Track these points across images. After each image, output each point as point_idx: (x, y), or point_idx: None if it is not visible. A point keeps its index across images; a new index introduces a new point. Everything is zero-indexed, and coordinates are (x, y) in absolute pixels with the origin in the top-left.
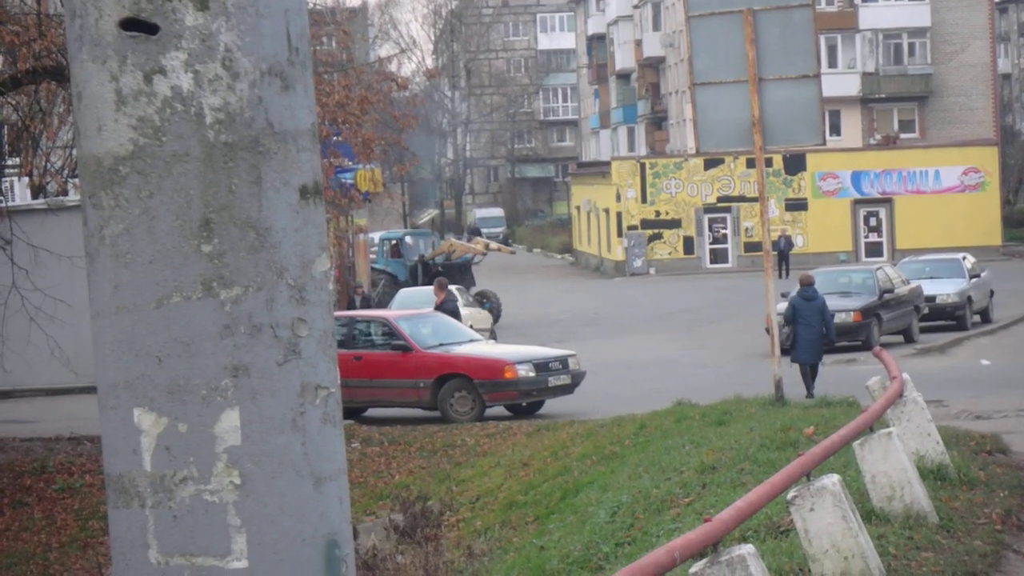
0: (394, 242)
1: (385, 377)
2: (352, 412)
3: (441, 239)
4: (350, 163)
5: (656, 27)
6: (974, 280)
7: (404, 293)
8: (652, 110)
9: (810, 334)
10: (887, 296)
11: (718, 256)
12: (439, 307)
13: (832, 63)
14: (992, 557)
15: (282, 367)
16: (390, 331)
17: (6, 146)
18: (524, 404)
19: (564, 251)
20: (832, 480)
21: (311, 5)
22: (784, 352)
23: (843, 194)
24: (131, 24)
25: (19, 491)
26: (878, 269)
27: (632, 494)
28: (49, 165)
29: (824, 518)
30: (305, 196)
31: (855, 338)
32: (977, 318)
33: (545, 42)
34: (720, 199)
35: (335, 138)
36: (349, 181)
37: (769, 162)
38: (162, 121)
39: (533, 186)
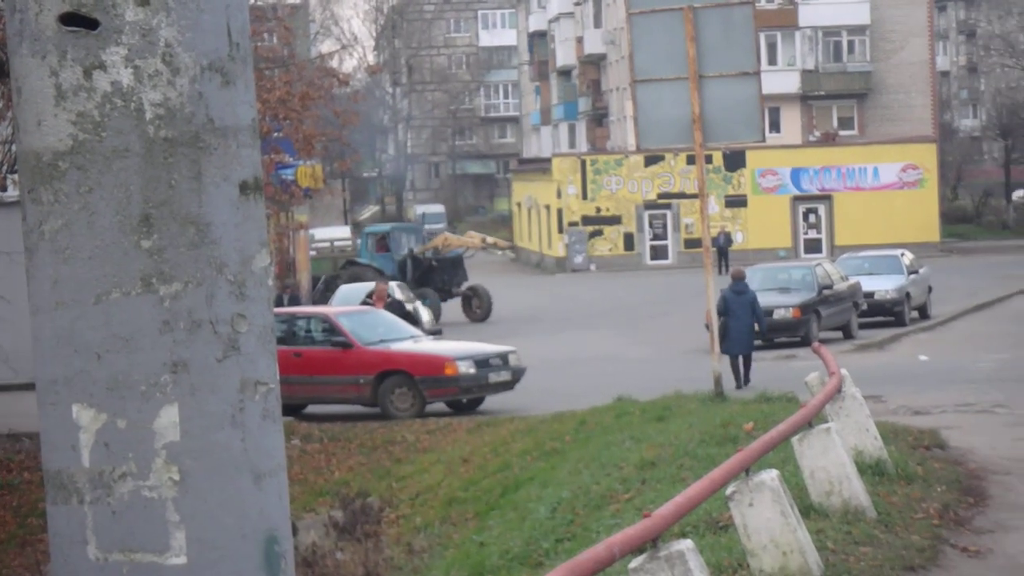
0: (381, 236)
1: (325, 374)
2: (292, 409)
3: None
4: (291, 159)
5: (597, 24)
6: (912, 276)
7: (344, 290)
8: (593, 107)
9: (740, 327)
10: (826, 292)
11: (658, 252)
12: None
13: (772, 60)
14: (930, 551)
15: (222, 363)
16: (330, 327)
17: None
18: (465, 400)
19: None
20: (771, 475)
21: (252, 1)
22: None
23: (783, 191)
24: (71, 19)
25: None
26: (817, 265)
27: (572, 490)
28: None
29: (763, 513)
30: (245, 192)
31: (794, 334)
32: (915, 314)
33: (486, 39)
34: (660, 196)
35: (276, 134)
36: (290, 177)
37: (709, 159)
38: (102, 116)
39: (474, 182)
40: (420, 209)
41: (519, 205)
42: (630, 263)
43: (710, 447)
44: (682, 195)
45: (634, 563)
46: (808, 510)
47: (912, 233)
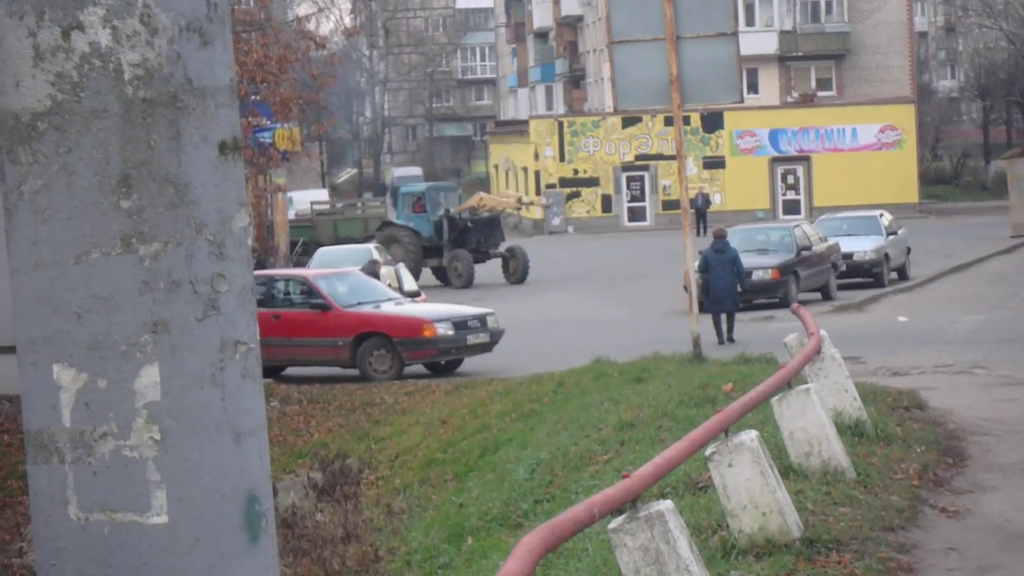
0: (417, 196)
1: (304, 336)
2: (271, 371)
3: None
4: (268, 122)
5: None
6: (891, 237)
7: (323, 252)
8: (570, 69)
9: (721, 284)
10: (805, 253)
11: (636, 214)
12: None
13: (750, 21)
14: (909, 512)
15: (201, 323)
16: (309, 290)
17: None
18: (443, 362)
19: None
20: (750, 436)
21: None
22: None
23: (760, 152)
24: None
25: None
26: (795, 227)
27: (551, 451)
28: None
29: (742, 474)
30: (224, 152)
31: (773, 295)
32: (894, 275)
33: (463, 1)
34: (638, 157)
35: (253, 97)
36: (267, 140)
37: (687, 120)
38: (80, 77)
39: (451, 145)
40: (397, 172)
41: (496, 167)
42: (608, 225)
43: (689, 408)
44: (660, 157)
45: (614, 523)
46: (787, 471)
47: (890, 194)
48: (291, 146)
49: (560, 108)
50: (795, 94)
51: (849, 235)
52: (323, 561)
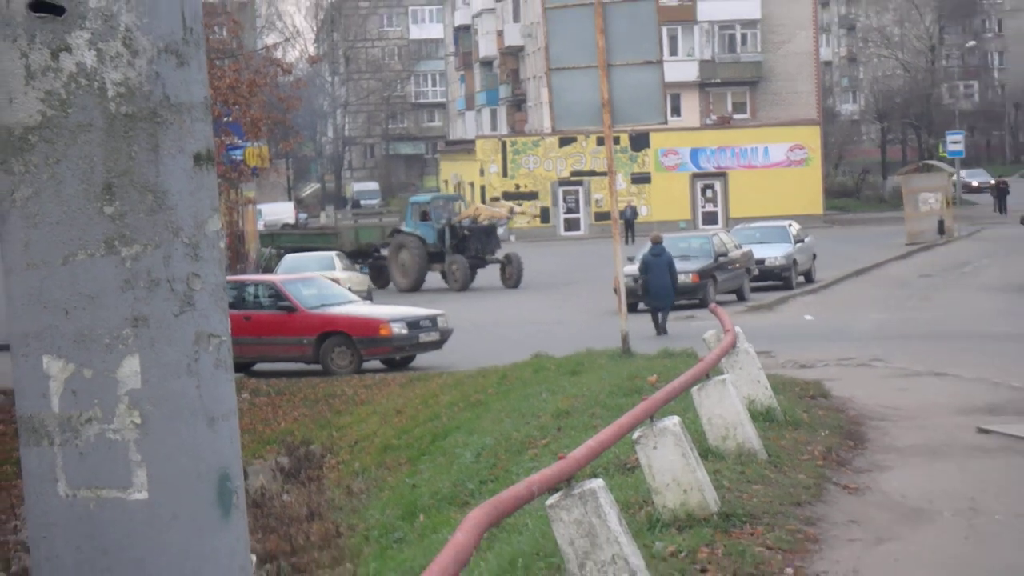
0: (424, 206)
1: (272, 335)
2: (242, 367)
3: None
4: (240, 140)
5: (516, 19)
6: (799, 245)
7: (289, 259)
8: (512, 94)
9: (659, 284)
10: (722, 259)
11: (571, 225)
12: None
13: (673, 51)
14: (815, 489)
15: (178, 318)
16: (276, 293)
17: None
18: (398, 358)
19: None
20: (673, 421)
21: None
22: (639, 298)
23: (683, 168)
24: (39, 6)
25: None
26: (714, 235)
27: (495, 437)
28: None
29: (666, 455)
30: (199, 162)
31: (694, 297)
32: (801, 279)
33: (416, 32)
34: (573, 173)
35: (226, 118)
36: (239, 157)
37: (617, 140)
38: (68, 94)
39: (406, 162)
40: (356, 186)
41: (446, 182)
42: (546, 234)
43: (618, 397)
44: (593, 173)
45: (551, 500)
46: (706, 453)
47: (798, 206)
48: (260, 162)
49: (503, 129)
50: (713, 117)
51: (761, 243)
52: (289, 537)
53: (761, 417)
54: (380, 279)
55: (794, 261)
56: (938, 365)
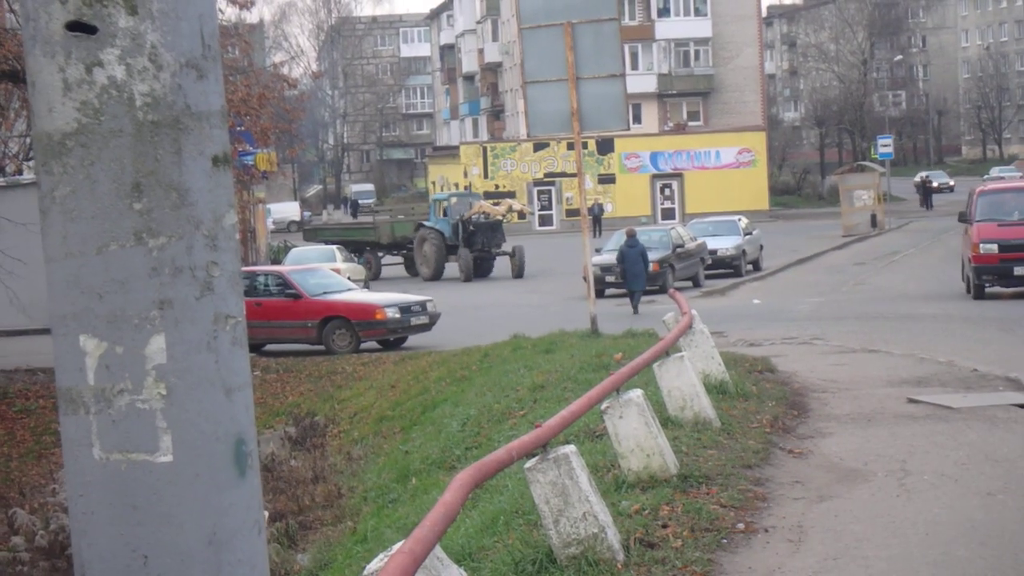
0: (444, 203)
1: (280, 319)
2: (253, 347)
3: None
4: (251, 148)
5: (495, 38)
6: (747, 237)
7: (295, 252)
8: (492, 104)
9: (635, 269)
10: (679, 250)
11: (545, 220)
12: None
13: (634, 66)
14: (763, 453)
15: (199, 300)
16: (284, 282)
17: None
18: (392, 339)
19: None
20: (637, 394)
21: (219, 21)
22: (617, 285)
23: (644, 170)
24: (75, 26)
25: None
26: (671, 229)
27: (478, 408)
28: (7, 151)
29: (631, 424)
30: (217, 164)
31: (654, 283)
32: (750, 267)
33: (406, 51)
34: (546, 175)
35: (239, 128)
36: (250, 162)
37: (585, 145)
38: (100, 104)
39: (398, 166)
40: (354, 188)
41: (434, 183)
42: (522, 229)
43: (588, 373)
44: (563, 174)
45: (529, 464)
46: (666, 421)
47: (746, 203)
48: (269, 167)
49: (484, 136)
50: (670, 124)
51: (714, 235)
52: (297, 498)
53: (715, 390)
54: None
55: (743, 251)
56: (871, 343)
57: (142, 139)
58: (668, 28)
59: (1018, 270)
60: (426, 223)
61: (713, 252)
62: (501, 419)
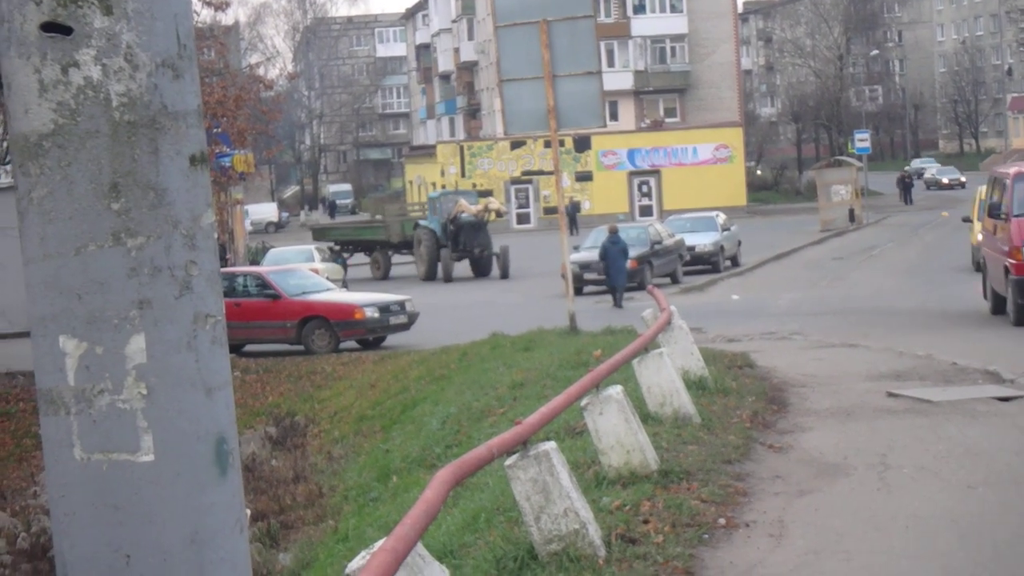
0: (435, 201)
1: (259, 320)
2: (233, 348)
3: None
4: (228, 149)
5: (471, 37)
6: (725, 233)
7: (273, 253)
8: (468, 103)
9: (616, 266)
10: (657, 247)
11: (522, 219)
12: None
13: (611, 63)
14: (743, 448)
15: (178, 300)
16: (263, 283)
17: None
18: (372, 339)
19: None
20: (616, 390)
21: (195, 22)
22: (597, 282)
23: (621, 167)
24: (50, 27)
25: None
26: (649, 226)
27: (458, 407)
28: None
29: (610, 420)
30: (194, 163)
31: (632, 280)
32: (728, 263)
33: (382, 51)
34: (524, 173)
35: (216, 130)
36: (227, 164)
37: (562, 143)
38: (77, 104)
39: (375, 166)
40: (332, 188)
41: (411, 183)
42: (500, 227)
43: (567, 370)
44: (541, 172)
45: (509, 461)
46: (646, 418)
47: (724, 199)
48: (246, 168)
49: (461, 135)
50: (647, 121)
51: (692, 232)
52: (278, 498)
53: (694, 386)
54: None
55: (721, 248)
56: (850, 337)
57: (119, 139)
58: (644, 25)
59: None
60: (422, 222)
61: (691, 248)
62: (481, 417)
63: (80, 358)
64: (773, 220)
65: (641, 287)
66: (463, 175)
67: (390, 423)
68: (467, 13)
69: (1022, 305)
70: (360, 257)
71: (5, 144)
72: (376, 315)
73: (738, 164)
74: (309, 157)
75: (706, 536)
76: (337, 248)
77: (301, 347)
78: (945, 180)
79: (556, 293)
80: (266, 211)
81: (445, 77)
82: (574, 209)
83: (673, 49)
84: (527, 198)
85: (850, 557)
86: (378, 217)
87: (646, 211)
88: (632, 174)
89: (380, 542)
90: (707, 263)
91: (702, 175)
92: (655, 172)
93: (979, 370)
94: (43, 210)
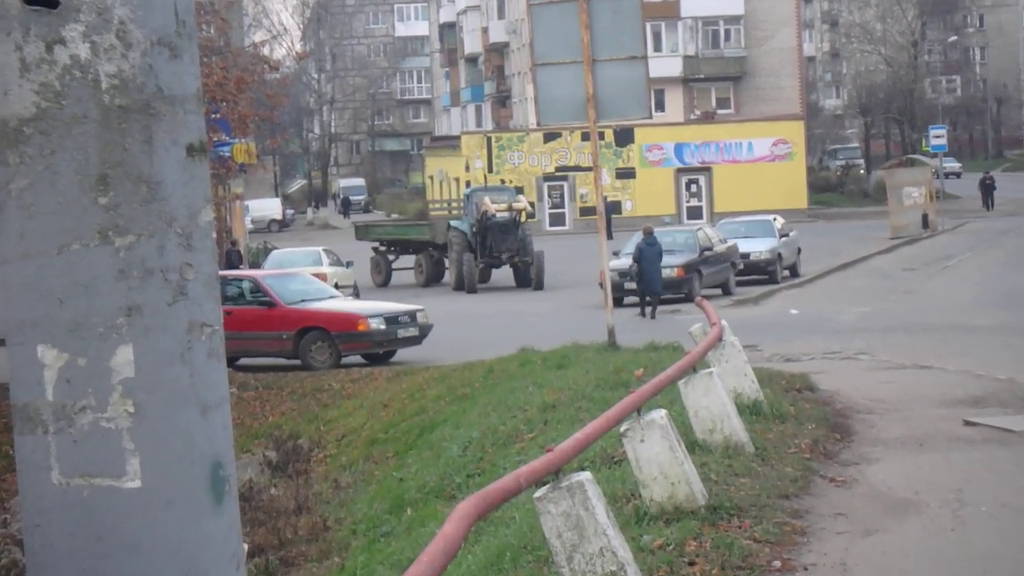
0: (472, 199)
1: (252, 330)
2: (227, 361)
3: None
4: (227, 137)
5: (501, 15)
6: (783, 239)
7: (276, 254)
8: (497, 90)
9: (651, 270)
10: (707, 253)
11: (556, 220)
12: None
13: (657, 47)
14: (802, 481)
15: (171, 307)
16: (257, 288)
17: None
18: (381, 352)
19: (419, 216)
20: (660, 414)
21: None
22: (635, 292)
23: (667, 163)
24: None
25: None
26: (698, 230)
27: (481, 431)
28: None
29: (653, 448)
30: (192, 154)
31: (679, 291)
32: (786, 272)
33: (402, 29)
34: (558, 169)
35: (214, 115)
36: (227, 153)
37: (601, 135)
38: (62, 86)
39: (391, 158)
40: (343, 182)
41: (431, 178)
42: (531, 229)
43: (605, 391)
44: (577, 168)
45: (539, 493)
46: (693, 446)
47: (782, 200)
48: (248, 159)
49: (488, 125)
50: (697, 112)
51: (746, 237)
52: (277, 530)
53: (748, 410)
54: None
55: (779, 255)
56: (922, 358)
57: (109, 126)
58: (696, 5)
59: None
60: (453, 223)
61: (745, 256)
62: (507, 442)
63: (60, 370)
64: (837, 225)
65: (688, 299)
66: (490, 170)
67: (405, 448)
68: None
69: None
70: (405, 261)
71: None
72: (382, 327)
73: (799, 161)
74: (318, 147)
75: None
76: (383, 249)
77: (298, 361)
78: None
79: (593, 303)
80: (269, 207)
81: (472, 60)
82: (611, 210)
83: (727, 32)
84: (561, 197)
85: None
86: (436, 208)
87: (695, 213)
88: (680, 171)
89: None
90: (763, 272)
91: (758, 173)
92: (705, 169)
93: None
94: (23, 204)
